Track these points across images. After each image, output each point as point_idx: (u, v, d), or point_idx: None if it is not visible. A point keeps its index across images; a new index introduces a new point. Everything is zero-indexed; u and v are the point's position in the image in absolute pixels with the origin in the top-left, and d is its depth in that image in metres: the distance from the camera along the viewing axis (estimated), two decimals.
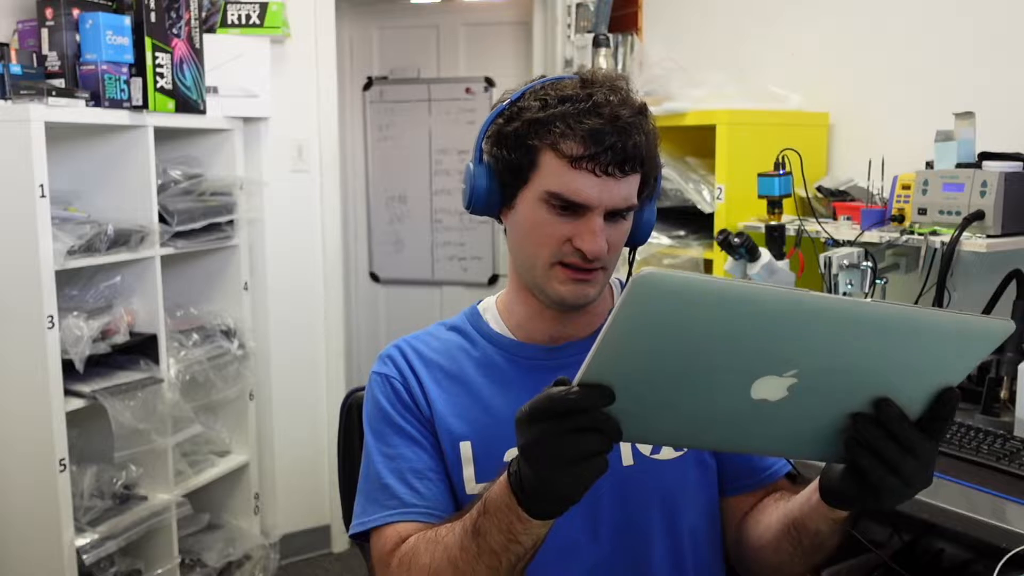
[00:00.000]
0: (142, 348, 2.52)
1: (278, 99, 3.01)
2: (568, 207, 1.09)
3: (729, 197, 2.49)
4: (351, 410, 1.44)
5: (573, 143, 1.07)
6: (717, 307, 0.73)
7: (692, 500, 1.20)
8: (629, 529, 1.16)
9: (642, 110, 1.12)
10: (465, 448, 1.16)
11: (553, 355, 1.21)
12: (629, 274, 1.26)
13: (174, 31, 2.56)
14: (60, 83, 2.33)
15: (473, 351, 1.23)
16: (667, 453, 1.17)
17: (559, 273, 1.12)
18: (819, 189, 2.48)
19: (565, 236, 1.10)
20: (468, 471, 1.16)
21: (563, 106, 1.09)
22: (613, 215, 1.11)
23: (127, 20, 2.43)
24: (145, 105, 2.47)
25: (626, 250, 1.22)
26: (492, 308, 1.27)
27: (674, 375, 0.80)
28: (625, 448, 1.16)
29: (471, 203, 1.17)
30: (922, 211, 2.07)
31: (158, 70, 2.50)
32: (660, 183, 1.20)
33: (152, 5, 2.47)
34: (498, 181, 1.15)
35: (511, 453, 1.13)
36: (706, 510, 1.22)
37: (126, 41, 2.42)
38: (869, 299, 0.76)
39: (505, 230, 1.22)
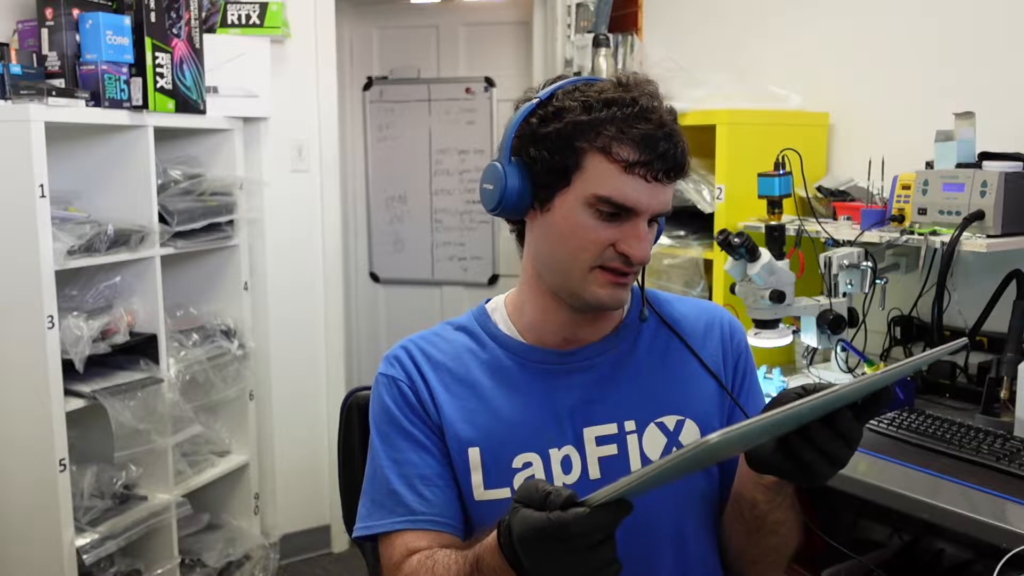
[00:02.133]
0: (142, 348, 2.52)
1: (278, 99, 3.01)
2: (615, 212, 1.08)
3: (729, 197, 2.49)
4: (351, 410, 1.44)
5: (627, 148, 1.07)
6: (744, 441, 0.82)
7: (699, 512, 1.20)
8: (636, 536, 1.14)
9: (676, 116, 1.13)
10: (473, 454, 1.16)
11: (564, 359, 1.20)
12: (642, 279, 1.25)
13: (174, 31, 2.56)
14: (60, 83, 2.33)
15: (481, 353, 1.22)
16: None
17: (599, 277, 1.11)
18: (819, 189, 2.48)
19: (609, 240, 1.09)
20: (476, 477, 1.16)
21: (610, 110, 1.08)
22: (650, 220, 1.11)
23: (127, 20, 2.43)
24: (145, 105, 2.47)
25: None
26: (501, 308, 1.26)
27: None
28: (634, 461, 1.16)
29: (501, 204, 1.13)
30: (922, 211, 2.07)
31: (158, 70, 2.50)
32: None
33: (152, 5, 2.47)
34: (532, 182, 1.12)
35: (520, 459, 1.14)
36: (712, 521, 1.22)
37: (126, 41, 2.42)
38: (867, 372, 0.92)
39: (518, 231, 1.21)
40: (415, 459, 1.16)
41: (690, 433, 1.18)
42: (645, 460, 1.16)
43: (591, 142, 1.08)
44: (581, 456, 1.16)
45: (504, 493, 1.15)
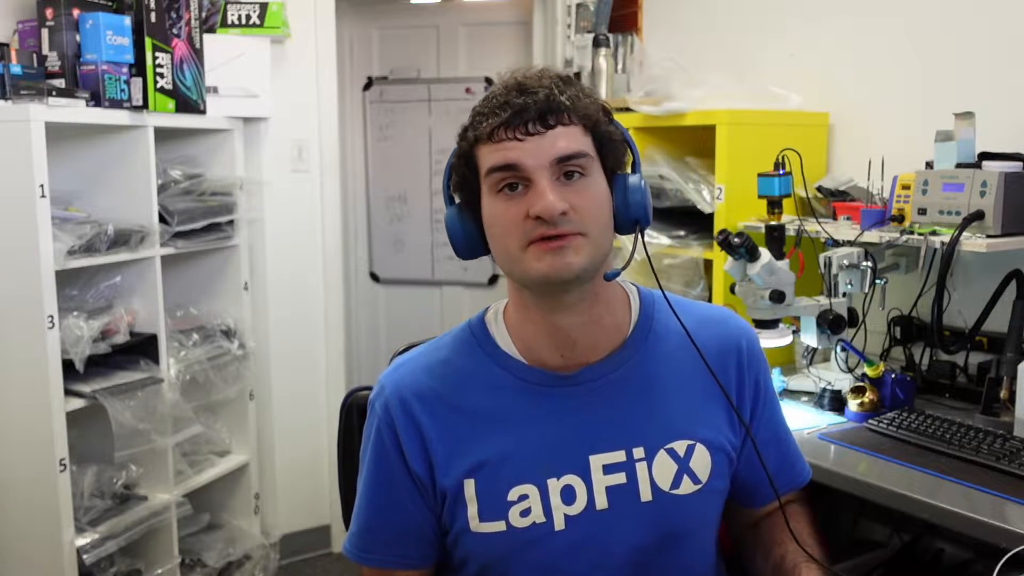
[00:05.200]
0: (142, 348, 2.52)
1: (278, 99, 3.01)
2: (512, 182, 1.07)
3: (729, 197, 2.49)
4: (351, 410, 1.44)
5: (490, 120, 1.08)
6: None
7: (711, 534, 1.20)
8: (651, 572, 1.15)
9: (566, 79, 1.11)
10: (468, 487, 1.13)
11: (566, 382, 1.16)
12: (653, 275, 1.20)
13: (174, 31, 2.56)
14: (60, 83, 2.32)
15: (478, 374, 1.17)
16: (687, 487, 1.14)
17: (533, 251, 1.07)
18: (819, 189, 2.47)
19: (522, 213, 1.07)
20: (472, 509, 1.13)
21: (482, 103, 1.11)
22: (568, 174, 1.08)
23: (127, 20, 2.43)
24: (145, 105, 2.47)
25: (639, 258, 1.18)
26: (500, 322, 1.21)
27: None
28: (644, 490, 1.13)
29: (454, 247, 1.16)
30: (922, 211, 2.07)
31: (158, 70, 2.50)
32: (637, 154, 1.16)
33: (152, 5, 2.47)
34: (469, 211, 1.14)
35: (515, 492, 1.12)
36: (716, 539, 1.22)
37: (126, 41, 2.42)
38: None
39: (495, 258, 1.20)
40: (391, 506, 1.18)
41: (700, 458, 1.15)
42: (655, 488, 1.13)
43: (471, 141, 1.10)
44: (587, 485, 1.12)
45: (499, 526, 1.12)
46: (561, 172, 1.07)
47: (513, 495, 1.12)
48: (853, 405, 2.05)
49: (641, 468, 1.13)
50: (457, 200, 1.16)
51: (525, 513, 1.11)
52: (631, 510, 1.12)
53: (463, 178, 1.13)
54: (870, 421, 1.97)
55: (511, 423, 1.14)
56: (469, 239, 1.14)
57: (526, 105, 1.06)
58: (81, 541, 2.31)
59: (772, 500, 1.23)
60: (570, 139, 1.07)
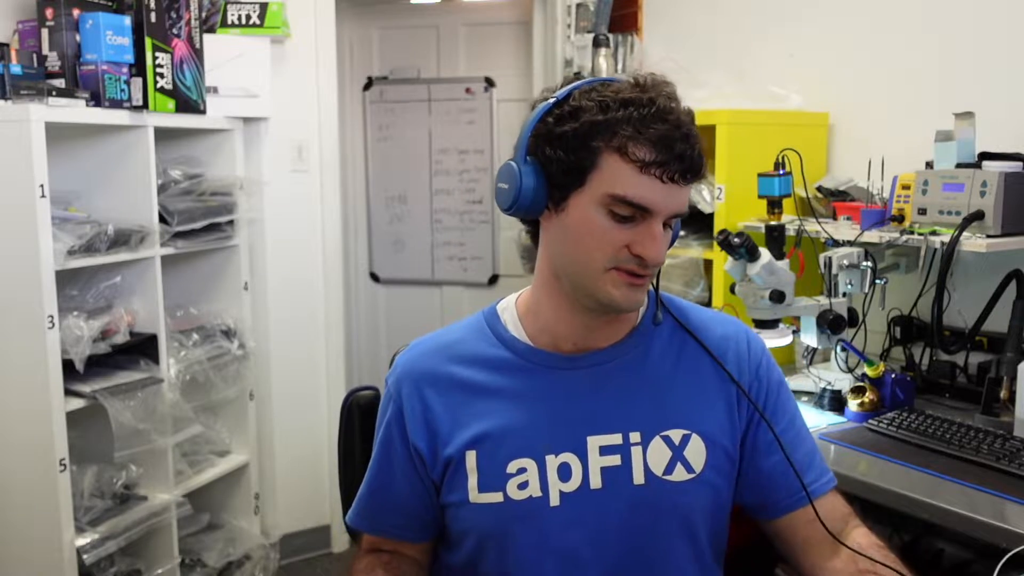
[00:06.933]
0: (142, 348, 2.52)
1: (278, 99, 3.01)
2: (630, 213, 1.08)
3: (729, 197, 2.49)
4: (351, 410, 1.45)
5: (643, 148, 1.06)
6: None
7: (704, 527, 1.20)
8: (642, 554, 1.16)
9: (694, 117, 1.12)
10: (470, 458, 1.16)
11: (572, 364, 1.19)
12: (656, 282, 1.25)
13: (174, 31, 2.55)
14: (60, 83, 2.32)
15: (487, 355, 1.21)
16: (680, 475, 1.16)
17: (614, 277, 1.10)
18: (819, 189, 2.48)
19: (623, 242, 1.09)
20: (472, 480, 1.16)
21: (626, 110, 1.07)
22: (665, 221, 1.11)
23: (127, 20, 2.43)
24: (145, 105, 2.47)
25: None
26: (511, 309, 1.25)
27: None
28: (637, 473, 1.15)
29: (516, 204, 1.12)
30: (922, 211, 2.07)
31: (158, 70, 2.50)
32: None
33: (152, 5, 2.47)
34: (547, 182, 1.12)
35: (514, 464, 1.15)
36: (718, 533, 1.23)
37: (126, 41, 2.42)
38: None
39: (532, 233, 1.20)
40: (387, 479, 1.23)
41: (695, 449, 1.17)
42: (648, 473, 1.15)
43: (607, 142, 1.07)
44: (583, 464, 1.15)
45: (496, 497, 1.14)
46: (665, 223, 1.11)
47: (512, 467, 1.15)
48: (853, 405, 2.05)
49: (636, 452, 1.15)
50: (533, 158, 1.12)
51: (523, 486, 1.14)
52: (623, 491, 1.14)
53: (564, 156, 1.09)
54: (870, 421, 1.97)
55: (515, 399, 1.18)
56: (536, 201, 1.12)
57: (684, 155, 1.07)
58: (81, 541, 2.31)
59: (803, 503, 1.22)
60: (686, 197, 1.12)
